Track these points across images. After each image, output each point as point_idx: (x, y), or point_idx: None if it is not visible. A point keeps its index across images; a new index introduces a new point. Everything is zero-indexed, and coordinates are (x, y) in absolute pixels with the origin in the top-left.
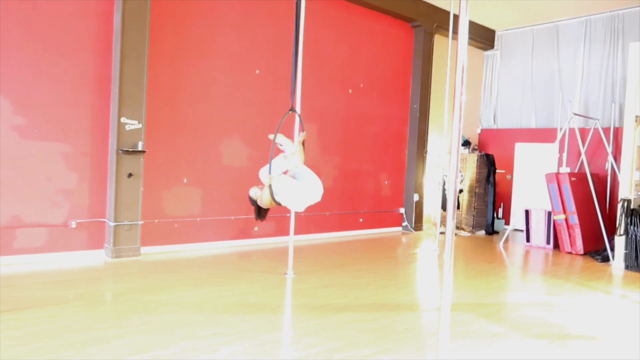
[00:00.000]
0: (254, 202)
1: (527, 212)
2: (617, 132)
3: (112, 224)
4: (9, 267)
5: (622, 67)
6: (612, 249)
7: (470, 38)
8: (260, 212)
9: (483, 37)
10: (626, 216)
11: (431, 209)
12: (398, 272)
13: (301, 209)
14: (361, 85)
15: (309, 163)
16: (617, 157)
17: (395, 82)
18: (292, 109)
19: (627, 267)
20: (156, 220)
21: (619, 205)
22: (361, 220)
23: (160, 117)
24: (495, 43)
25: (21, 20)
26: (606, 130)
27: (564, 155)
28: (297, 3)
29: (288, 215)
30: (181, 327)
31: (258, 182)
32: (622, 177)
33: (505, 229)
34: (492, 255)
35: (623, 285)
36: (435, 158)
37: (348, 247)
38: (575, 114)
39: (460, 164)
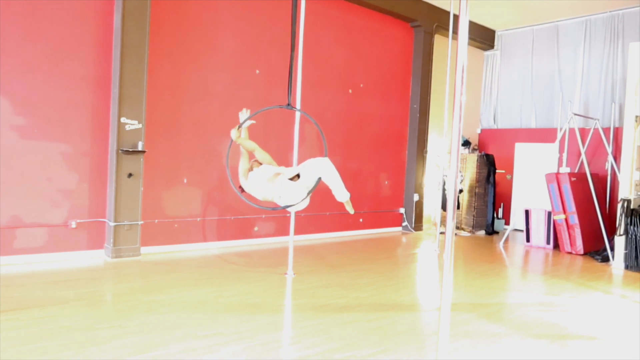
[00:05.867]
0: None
1: (527, 212)
2: (617, 132)
3: (112, 224)
4: (9, 267)
5: (622, 67)
6: (612, 249)
7: (470, 38)
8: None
9: (483, 37)
10: (626, 216)
11: (431, 209)
12: (398, 272)
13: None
14: (361, 85)
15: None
16: (617, 157)
17: (395, 82)
18: (289, 105)
19: (627, 267)
20: (156, 220)
21: (619, 205)
22: (361, 220)
23: (160, 117)
24: (495, 43)
25: (21, 20)
26: (606, 130)
27: (564, 155)
28: (293, 1)
29: (288, 215)
30: (181, 327)
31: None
32: (622, 177)
33: (505, 229)
34: (492, 255)
35: (623, 285)
36: (435, 158)
37: (348, 247)
38: (575, 114)
39: (460, 164)
